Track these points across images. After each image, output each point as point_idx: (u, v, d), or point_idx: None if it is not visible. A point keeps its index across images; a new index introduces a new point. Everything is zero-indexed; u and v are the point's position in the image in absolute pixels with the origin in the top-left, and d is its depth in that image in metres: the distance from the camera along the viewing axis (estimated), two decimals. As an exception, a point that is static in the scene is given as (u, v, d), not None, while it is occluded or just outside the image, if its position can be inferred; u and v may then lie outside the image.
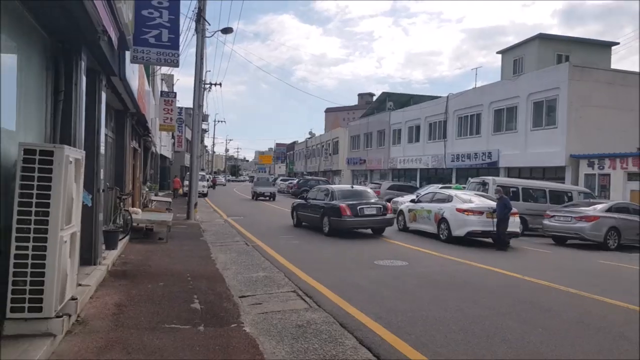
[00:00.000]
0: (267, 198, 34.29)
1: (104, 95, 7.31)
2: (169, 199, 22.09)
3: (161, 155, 35.24)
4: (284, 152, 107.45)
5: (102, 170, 7.31)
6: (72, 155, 4.34)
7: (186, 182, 35.19)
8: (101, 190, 7.14)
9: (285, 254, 10.72)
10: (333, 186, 16.95)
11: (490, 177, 17.24)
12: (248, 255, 10.60)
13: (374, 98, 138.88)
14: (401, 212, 16.49)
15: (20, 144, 4.02)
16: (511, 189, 16.41)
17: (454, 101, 30.75)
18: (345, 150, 51.09)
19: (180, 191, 37.11)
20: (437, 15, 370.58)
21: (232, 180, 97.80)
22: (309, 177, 44.86)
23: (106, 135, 9.80)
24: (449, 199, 13.78)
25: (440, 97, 35.23)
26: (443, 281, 8.41)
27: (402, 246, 12.63)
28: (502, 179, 17.45)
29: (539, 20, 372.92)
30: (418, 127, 35.26)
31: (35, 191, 3.97)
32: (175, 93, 22.97)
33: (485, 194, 14.94)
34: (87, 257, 6.99)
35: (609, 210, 14.45)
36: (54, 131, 5.48)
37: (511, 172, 24.28)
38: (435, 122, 33.05)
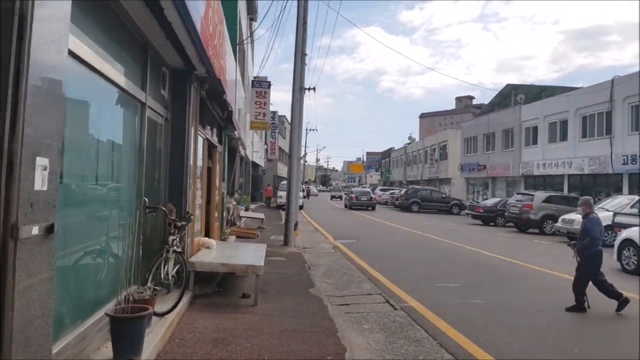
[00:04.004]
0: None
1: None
2: (261, 215, 17.44)
3: (253, 162, 31.29)
4: (378, 161, 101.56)
5: (48, 161, 2.24)
6: None
7: (280, 194, 31.42)
8: (44, 229, 2.04)
9: (485, 343, 5.16)
10: (352, 188, 49.08)
11: None
12: (411, 341, 5.23)
13: (474, 101, 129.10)
14: (629, 242, 10.06)
15: None
16: None
17: (623, 86, 23.05)
18: (456, 156, 44.02)
19: (273, 201, 33.17)
20: (529, 18, 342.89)
21: (323, 190, 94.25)
22: (419, 187, 38.65)
23: (143, 103, 4.97)
24: None
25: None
26: None
27: None
28: None
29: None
30: (564, 123, 27.68)
31: None
32: (270, 82, 18.38)
33: None
34: None
35: None
36: None
37: None
38: (593, 115, 25.37)
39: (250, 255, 7.16)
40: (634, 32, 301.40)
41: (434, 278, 9.15)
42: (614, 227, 14.09)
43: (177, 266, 5.61)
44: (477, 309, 6.85)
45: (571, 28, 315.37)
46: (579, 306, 6.82)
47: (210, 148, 9.13)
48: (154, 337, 4.28)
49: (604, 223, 14.77)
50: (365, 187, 51.98)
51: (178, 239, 5.69)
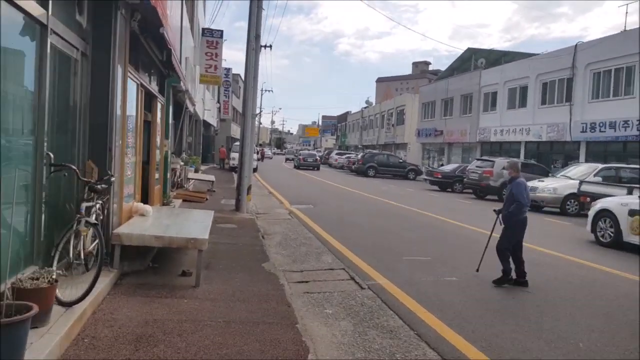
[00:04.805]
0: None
1: None
2: (212, 178, 16.16)
3: (204, 121, 29.49)
4: (334, 125, 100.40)
5: None
6: None
7: (232, 155, 29.89)
8: None
9: (471, 333, 4.40)
10: (301, 151, 52.35)
11: None
12: (384, 332, 4.46)
13: (430, 67, 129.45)
14: (608, 213, 9.62)
15: None
16: None
17: (586, 52, 22.88)
18: (413, 120, 43.61)
19: (227, 162, 31.69)
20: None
21: (278, 153, 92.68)
22: (375, 152, 38.16)
23: (43, 26, 3.68)
24: None
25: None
26: None
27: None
28: None
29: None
30: (524, 89, 27.51)
31: None
32: (222, 31, 16.65)
33: None
34: None
35: None
36: None
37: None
38: (554, 81, 25.24)
39: (193, 225, 6.06)
40: (583, 5, 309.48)
41: (401, 250, 8.40)
42: (580, 196, 13.89)
43: (97, 240, 4.46)
44: (453, 288, 6.11)
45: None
46: (506, 277, 6.36)
47: (149, 98, 7.77)
48: (52, 337, 3.18)
49: (568, 191, 14.82)
50: (317, 150, 62.88)
51: (98, 206, 4.51)
